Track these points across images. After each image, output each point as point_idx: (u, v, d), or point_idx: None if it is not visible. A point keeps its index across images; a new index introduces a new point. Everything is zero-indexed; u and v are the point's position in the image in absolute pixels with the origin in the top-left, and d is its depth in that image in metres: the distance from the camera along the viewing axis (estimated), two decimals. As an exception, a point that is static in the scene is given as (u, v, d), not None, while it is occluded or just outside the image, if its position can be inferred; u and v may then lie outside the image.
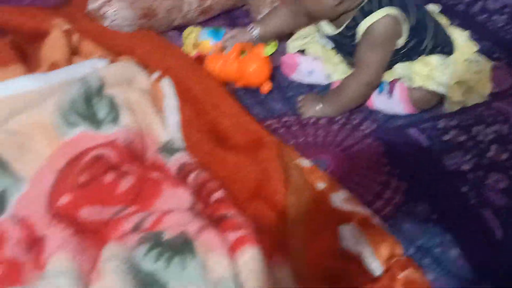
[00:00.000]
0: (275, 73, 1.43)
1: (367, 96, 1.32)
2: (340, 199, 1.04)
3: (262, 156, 1.06)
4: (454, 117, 1.27)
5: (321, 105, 1.32)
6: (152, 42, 1.32)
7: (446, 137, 1.20)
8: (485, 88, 1.33)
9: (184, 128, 1.14)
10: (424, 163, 1.15)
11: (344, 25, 1.28)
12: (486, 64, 1.34)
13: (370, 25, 1.23)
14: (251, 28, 1.41)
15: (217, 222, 0.95)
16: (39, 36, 1.31)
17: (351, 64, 1.34)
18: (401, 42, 1.26)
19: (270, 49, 1.46)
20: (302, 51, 1.45)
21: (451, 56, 1.35)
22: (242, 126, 1.12)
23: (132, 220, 0.98)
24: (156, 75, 1.23)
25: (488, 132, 1.23)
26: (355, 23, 1.25)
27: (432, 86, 1.28)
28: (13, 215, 0.96)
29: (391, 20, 1.23)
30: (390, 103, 1.34)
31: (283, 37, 1.48)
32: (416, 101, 1.32)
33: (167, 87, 1.21)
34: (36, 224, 0.96)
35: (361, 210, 1.01)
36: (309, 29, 1.43)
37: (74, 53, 1.30)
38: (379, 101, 1.34)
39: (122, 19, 1.43)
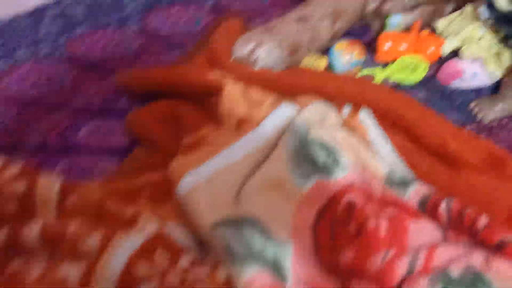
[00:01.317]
0: (429, 83, 1.41)
1: None
2: None
3: (508, 175, 1.03)
4: None
5: (500, 104, 1.30)
6: (330, 78, 1.29)
7: None
8: None
9: (405, 157, 1.12)
10: None
11: None
12: None
13: None
14: None
15: (498, 249, 0.92)
16: (206, 92, 1.28)
17: None
18: None
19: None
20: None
21: None
22: (469, 145, 1.10)
23: (403, 262, 0.95)
24: (347, 109, 1.21)
25: None
26: None
27: None
28: (297, 280, 0.93)
29: None
30: None
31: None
32: None
33: (367, 119, 1.18)
34: (320, 285, 0.93)
35: None
36: (458, 16, 1.41)
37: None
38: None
39: (273, 59, 1.40)
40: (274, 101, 1.27)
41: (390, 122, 1.16)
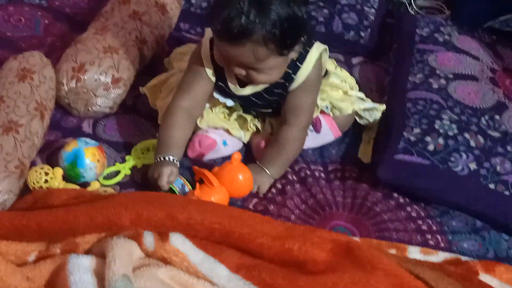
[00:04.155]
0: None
1: (305, 139, 1.27)
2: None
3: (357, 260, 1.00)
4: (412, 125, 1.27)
5: (267, 173, 1.23)
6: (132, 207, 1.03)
7: (431, 147, 1.24)
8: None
9: (244, 274, 0.97)
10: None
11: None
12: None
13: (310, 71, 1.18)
14: (169, 159, 1.16)
15: None
16: None
17: (265, 114, 1.29)
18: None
19: None
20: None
21: (332, 66, 1.37)
22: (311, 242, 1.00)
23: None
24: (149, 238, 0.99)
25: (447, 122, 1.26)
26: (288, 74, 1.18)
27: (360, 105, 1.31)
28: None
29: (320, 59, 1.20)
30: (318, 137, 1.33)
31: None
32: (342, 125, 1.33)
33: (181, 244, 0.99)
34: None
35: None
36: None
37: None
38: (307, 141, 1.31)
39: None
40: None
41: (215, 239, 0.99)
